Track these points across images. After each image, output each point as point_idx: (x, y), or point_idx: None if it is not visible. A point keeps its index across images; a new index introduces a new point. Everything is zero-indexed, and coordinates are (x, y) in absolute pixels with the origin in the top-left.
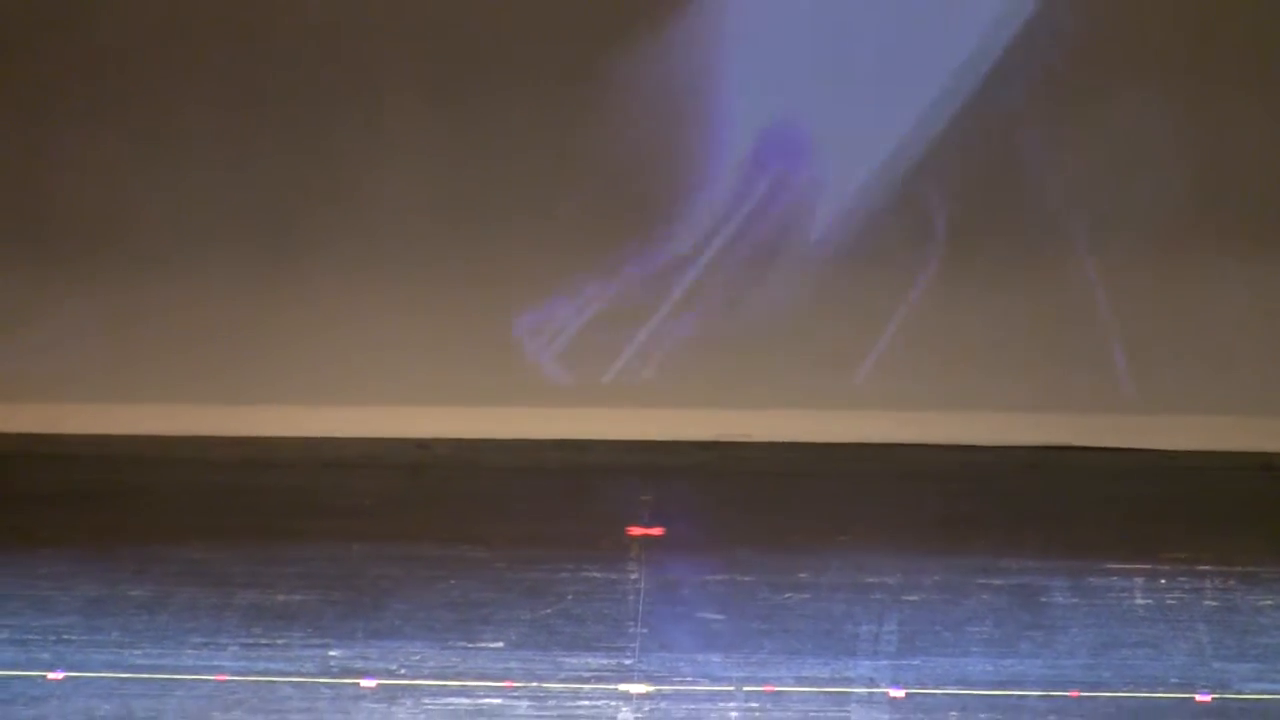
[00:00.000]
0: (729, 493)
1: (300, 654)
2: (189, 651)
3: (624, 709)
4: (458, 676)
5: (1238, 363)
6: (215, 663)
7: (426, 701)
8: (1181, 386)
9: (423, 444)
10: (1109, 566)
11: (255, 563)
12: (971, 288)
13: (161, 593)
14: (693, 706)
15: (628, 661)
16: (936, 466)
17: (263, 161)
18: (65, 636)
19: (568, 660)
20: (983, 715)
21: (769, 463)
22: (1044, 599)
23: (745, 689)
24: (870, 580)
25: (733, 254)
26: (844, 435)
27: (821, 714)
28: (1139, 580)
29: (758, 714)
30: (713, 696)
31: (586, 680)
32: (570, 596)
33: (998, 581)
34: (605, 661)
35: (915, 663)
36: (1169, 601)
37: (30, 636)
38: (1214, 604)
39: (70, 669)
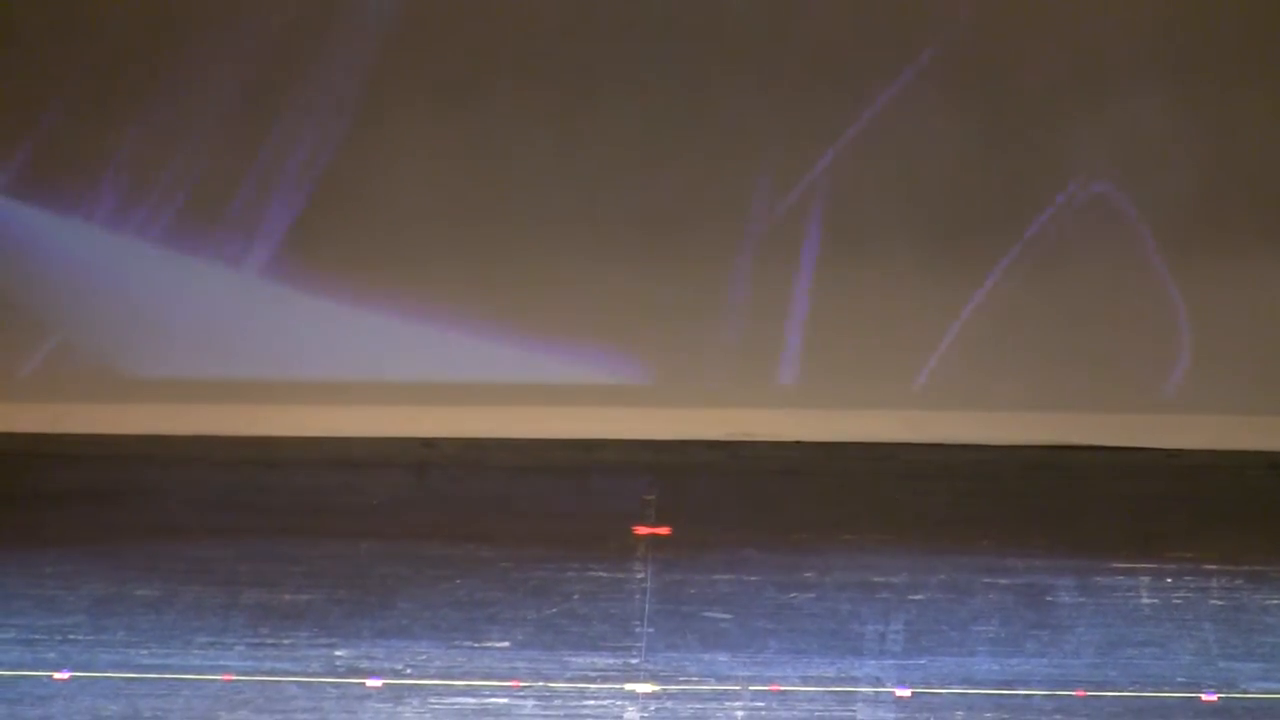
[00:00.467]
0: (735, 492)
1: (306, 653)
2: (195, 651)
3: (630, 708)
4: (464, 676)
5: (1244, 361)
6: (221, 662)
7: (433, 701)
8: (1188, 385)
9: (429, 443)
10: (1115, 565)
11: (261, 562)
12: (977, 287)
13: (168, 592)
14: (699, 706)
15: (634, 661)
16: (942, 466)
17: (269, 161)
18: (71, 636)
19: (574, 659)
20: (988, 714)
21: (775, 462)
22: (1050, 598)
23: (751, 688)
24: (876, 579)
25: (739, 254)
26: (850, 435)
27: (827, 713)
28: (1145, 579)
29: (764, 713)
30: (719, 696)
31: (593, 680)
32: (576, 596)
33: (1004, 581)
34: (611, 661)
35: (921, 662)
36: (1175, 600)
37: (37, 636)
38: (1220, 603)
39: (77, 669)
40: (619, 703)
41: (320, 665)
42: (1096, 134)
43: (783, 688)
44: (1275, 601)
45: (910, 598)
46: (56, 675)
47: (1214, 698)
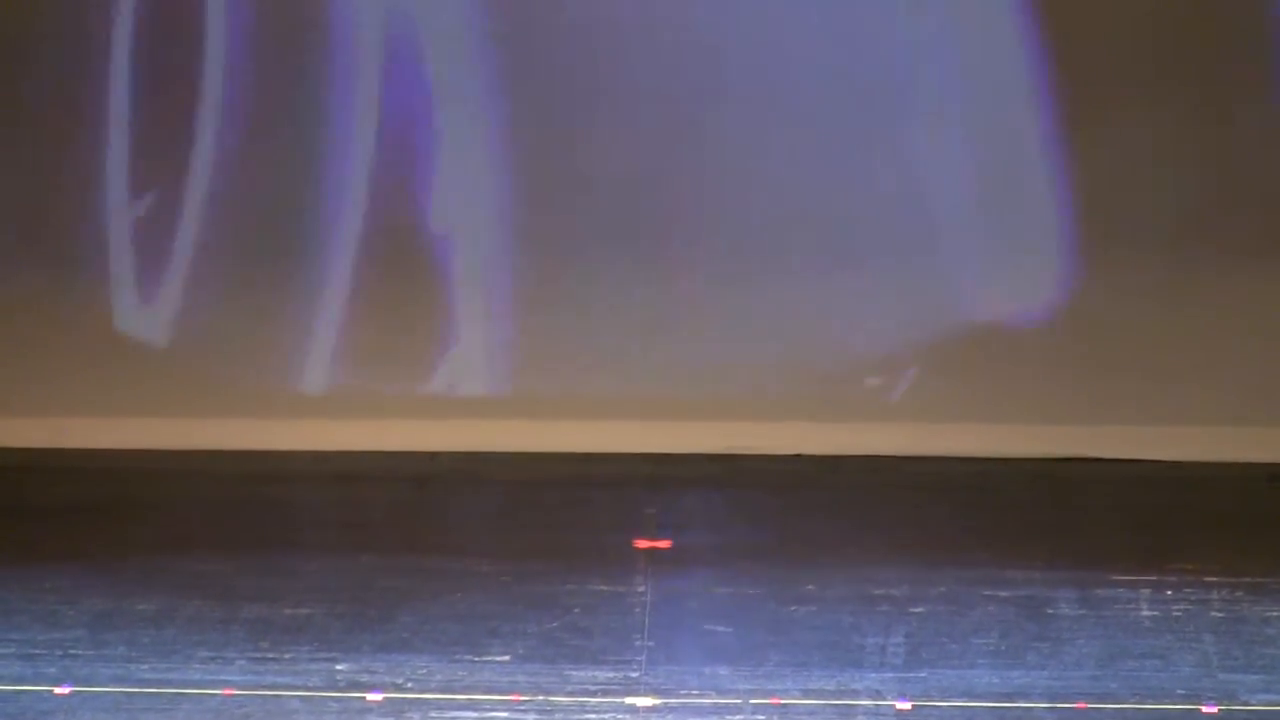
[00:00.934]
0: (736, 505)
1: (307, 667)
2: (196, 665)
3: None
4: (465, 690)
5: (1245, 373)
6: (222, 677)
7: (433, 715)
8: (1188, 397)
9: (430, 456)
10: (1116, 578)
11: (262, 576)
12: (979, 297)
13: (168, 606)
14: (699, 719)
15: (634, 674)
16: (943, 478)
17: (267, 175)
18: (72, 651)
19: (574, 673)
20: None
21: (776, 475)
22: (1050, 610)
23: (752, 701)
24: (877, 592)
25: (739, 267)
26: (850, 448)
27: None
28: (1146, 591)
29: None
30: (720, 709)
31: (593, 693)
32: (577, 609)
33: (1004, 593)
34: (612, 674)
35: (922, 674)
36: (1176, 613)
37: (37, 651)
38: (1221, 615)
39: (77, 683)
40: (620, 716)
41: (321, 679)
42: (1097, 146)
43: (783, 700)
44: (1276, 613)
45: (911, 610)
46: (57, 690)
47: (1214, 709)
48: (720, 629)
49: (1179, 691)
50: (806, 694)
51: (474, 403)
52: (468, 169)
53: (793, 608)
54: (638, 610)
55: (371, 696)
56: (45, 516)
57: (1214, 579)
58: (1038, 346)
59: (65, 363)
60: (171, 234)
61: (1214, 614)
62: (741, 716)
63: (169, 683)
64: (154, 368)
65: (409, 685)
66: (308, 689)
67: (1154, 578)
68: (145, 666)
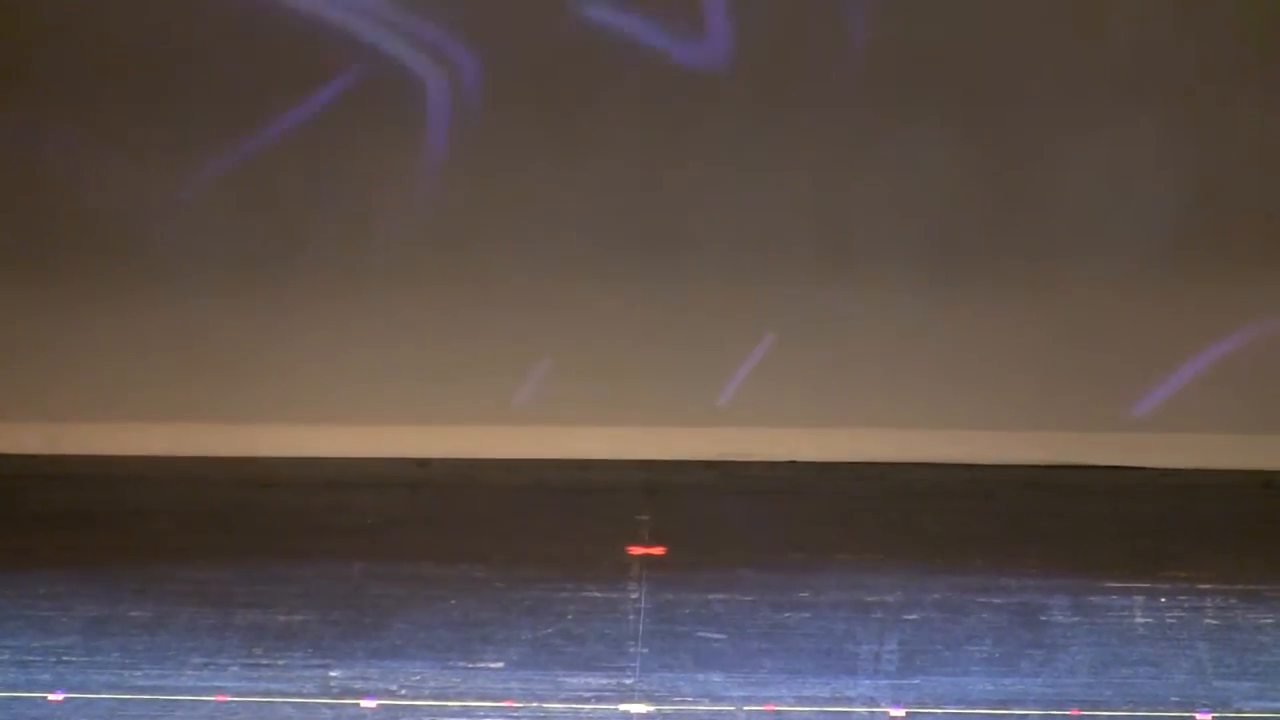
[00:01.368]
0: (730, 512)
1: (301, 674)
2: (189, 672)
3: None
4: (458, 696)
5: (1238, 380)
6: (216, 683)
7: None
8: (1181, 404)
9: (423, 463)
10: (1109, 585)
11: (256, 582)
12: (971, 305)
13: (162, 613)
14: None
15: (628, 681)
16: (937, 485)
17: (264, 182)
18: (66, 657)
19: (568, 680)
20: None
21: (770, 481)
22: (1044, 617)
23: (746, 708)
24: (870, 599)
25: (734, 274)
26: (844, 454)
27: None
28: (1139, 599)
29: None
30: (714, 716)
31: (587, 700)
32: (571, 616)
33: (998, 600)
34: (606, 681)
35: (915, 682)
36: (1169, 620)
37: (31, 658)
38: (1215, 622)
39: (71, 690)
40: None
41: (315, 686)
42: (1087, 152)
43: (778, 708)
44: (1270, 621)
45: (905, 617)
46: (51, 696)
47: (1208, 717)
48: (714, 636)
49: (1173, 699)
50: (800, 701)
51: (466, 408)
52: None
53: (787, 615)
54: (632, 617)
55: (365, 703)
56: (39, 523)
57: (1208, 586)
58: (1030, 353)
59: (59, 369)
60: (167, 240)
61: (1208, 621)
62: None
63: (162, 689)
64: (148, 374)
65: (402, 692)
66: (301, 695)
67: (1148, 585)
68: (139, 673)
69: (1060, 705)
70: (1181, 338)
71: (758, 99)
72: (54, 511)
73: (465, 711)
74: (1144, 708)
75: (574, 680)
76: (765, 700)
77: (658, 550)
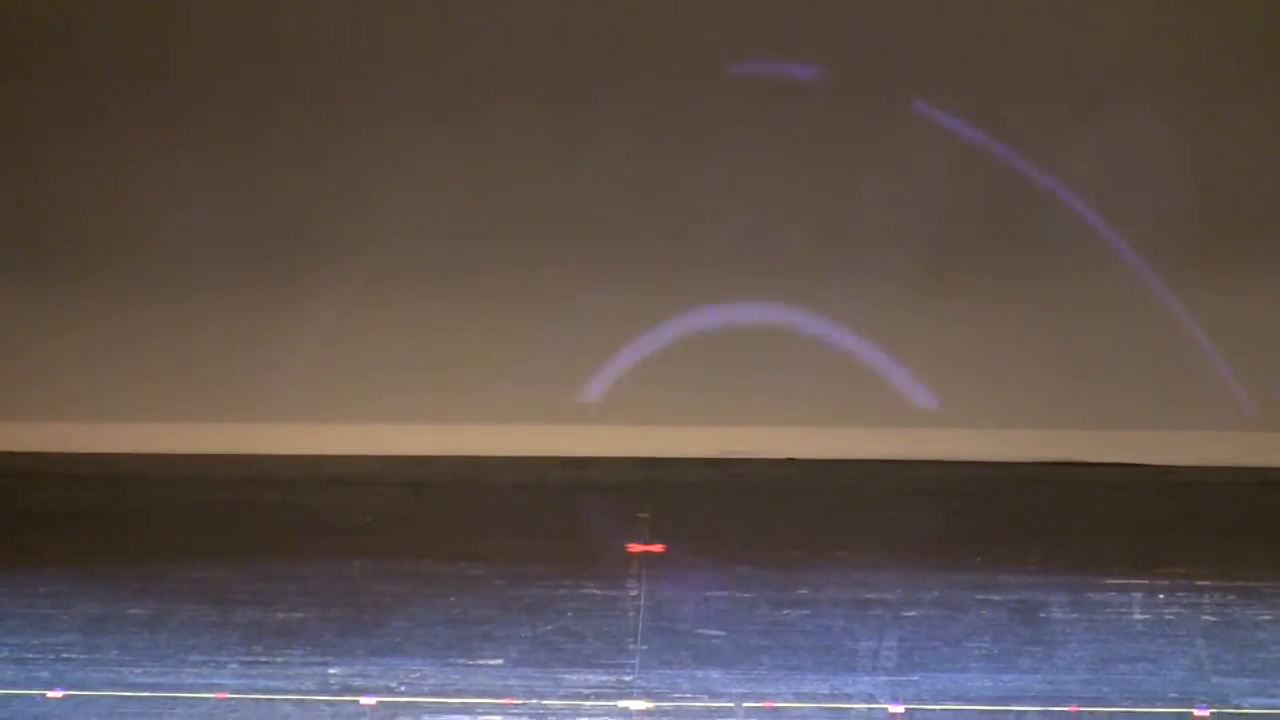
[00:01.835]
0: (729, 509)
1: (300, 671)
2: (189, 669)
3: None
4: (458, 694)
5: (1236, 378)
6: (215, 680)
7: (427, 719)
8: (1180, 402)
9: (423, 461)
10: (1108, 582)
11: (255, 580)
12: (972, 304)
13: (162, 611)
14: None
15: (628, 678)
16: (936, 482)
17: (266, 179)
18: (65, 655)
19: (568, 677)
20: None
21: (769, 479)
22: (1043, 614)
23: (745, 705)
24: (870, 596)
25: (734, 270)
26: (844, 451)
27: None
28: (1138, 595)
29: None
30: (712, 713)
31: (586, 697)
32: (570, 613)
33: (997, 597)
34: (605, 678)
35: (914, 678)
36: (1168, 616)
37: (30, 655)
38: (1212, 619)
39: (70, 687)
40: None
41: (314, 683)
42: (1092, 150)
43: (776, 704)
44: (1267, 617)
45: (904, 614)
46: (50, 694)
47: (1206, 713)
48: (713, 633)
49: (1171, 695)
50: (799, 698)
51: (467, 407)
52: (458, 173)
53: (785, 611)
54: (631, 614)
55: (365, 700)
56: (39, 520)
57: (1206, 583)
58: (1029, 351)
59: (61, 367)
60: (168, 238)
61: (1206, 618)
62: None
63: (162, 687)
64: (148, 373)
65: (402, 689)
66: (301, 693)
67: (1146, 582)
68: (138, 670)
69: (1059, 701)
70: (1181, 335)
71: (755, 94)
72: (54, 509)
73: (465, 708)
74: (1142, 704)
75: (573, 677)
76: (764, 697)
77: (657, 547)
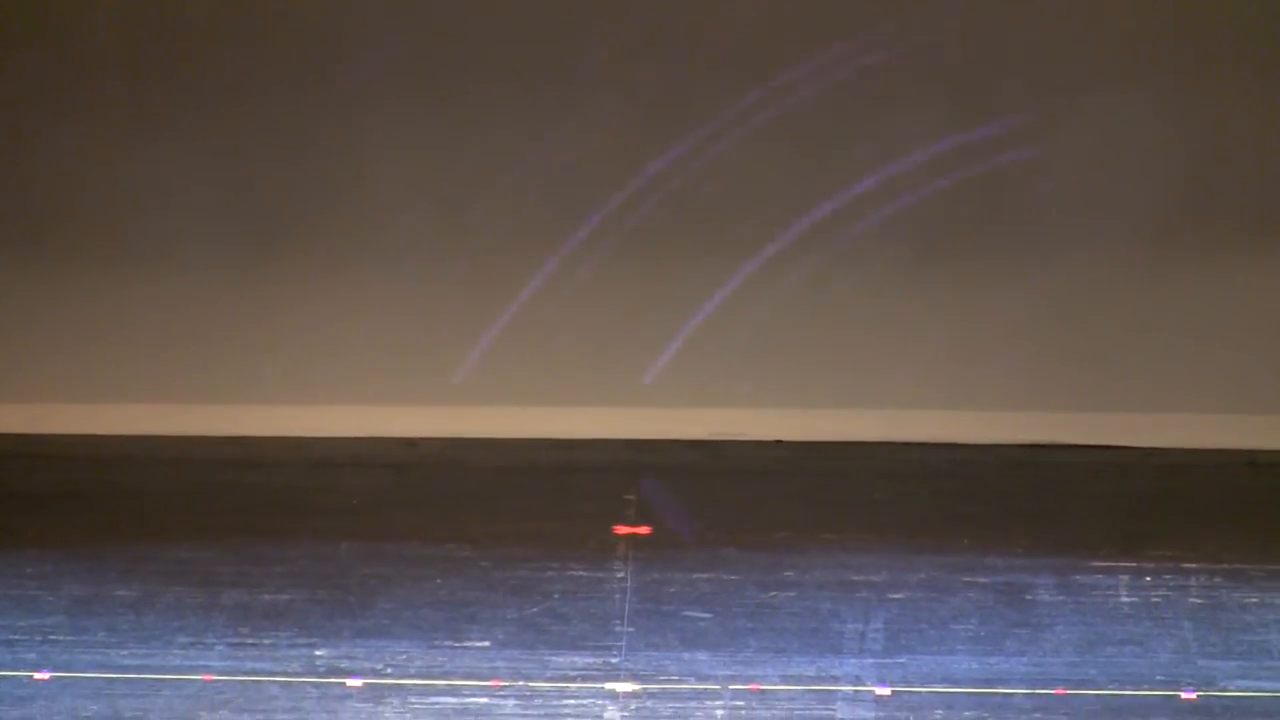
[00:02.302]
0: (715, 491)
1: (287, 653)
2: (176, 651)
3: (610, 707)
4: (444, 676)
5: (1222, 360)
6: (202, 662)
7: (413, 701)
8: (1166, 384)
9: (410, 443)
10: (1094, 564)
11: (242, 562)
12: (958, 286)
13: (148, 593)
14: (679, 705)
15: (614, 660)
16: (923, 465)
17: (250, 160)
18: (52, 636)
19: (554, 659)
20: (968, 713)
21: (755, 461)
22: (1029, 597)
23: (731, 687)
24: (856, 578)
25: (722, 254)
26: (830, 434)
27: (807, 712)
28: (1124, 578)
29: (744, 712)
30: (699, 695)
31: (573, 679)
32: (557, 595)
33: (983, 579)
34: (592, 660)
35: (901, 660)
36: (1154, 599)
37: (17, 637)
38: (1199, 601)
39: (57, 669)
40: (599, 702)
41: (301, 665)
42: (1078, 132)
43: (763, 687)
44: (1254, 600)
45: (890, 596)
46: (37, 675)
47: (1193, 696)
48: (700, 615)
49: (1157, 677)
50: (786, 680)
51: (453, 388)
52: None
53: (772, 594)
54: (617, 596)
55: (351, 682)
56: (24, 502)
57: (1192, 565)
58: (1017, 333)
59: (44, 349)
60: (152, 219)
61: (1193, 600)
62: (721, 702)
63: (149, 668)
64: (134, 354)
65: (388, 671)
66: (287, 675)
67: (1133, 564)
68: (125, 652)
69: (1045, 684)
70: (1167, 318)
71: (744, 78)
72: (40, 491)
73: (451, 690)
74: (1129, 686)
75: (560, 659)
76: (750, 679)
77: (644, 530)
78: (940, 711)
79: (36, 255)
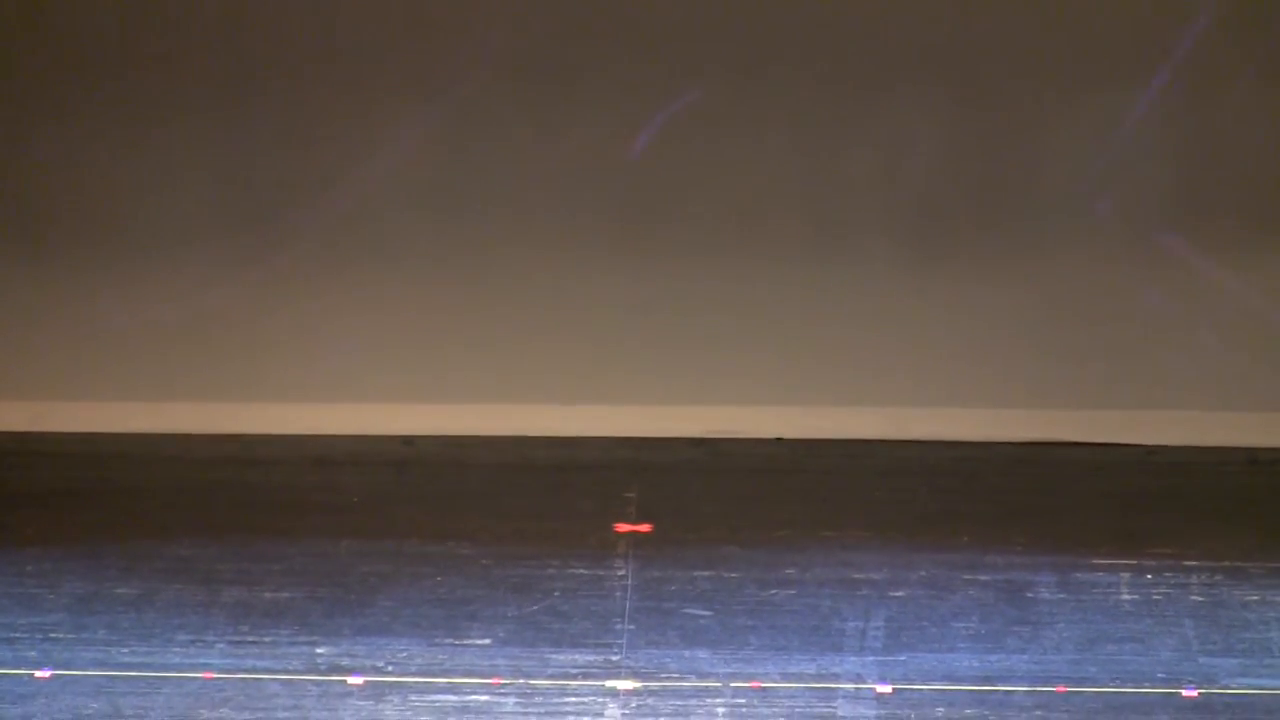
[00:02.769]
0: (716, 489)
1: (287, 651)
2: (176, 649)
3: (611, 705)
4: (445, 673)
5: (1222, 357)
6: (202, 660)
7: (413, 698)
8: (1167, 382)
9: (409, 441)
10: (1095, 562)
11: (242, 560)
12: (958, 283)
13: (148, 590)
14: (679, 703)
15: (615, 658)
16: (923, 462)
17: (248, 157)
18: (52, 634)
19: (555, 657)
20: (969, 710)
21: (756, 459)
22: (1030, 594)
23: (732, 685)
24: (857, 576)
25: (720, 250)
26: (831, 431)
27: (808, 710)
28: (1125, 575)
29: (745, 710)
30: (700, 693)
31: (573, 677)
32: (557, 593)
33: (984, 577)
34: (592, 658)
35: (902, 658)
36: (1155, 596)
37: (17, 635)
38: (1200, 599)
39: (57, 667)
40: (600, 700)
41: (301, 663)
42: (1076, 131)
43: (764, 684)
44: (1255, 597)
45: (891, 594)
46: (37, 673)
47: (1194, 693)
48: (700, 613)
49: (1159, 675)
50: (786, 677)
51: (453, 386)
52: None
53: (773, 591)
54: (618, 594)
55: (352, 680)
56: (24, 500)
57: (1193, 563)
58: (1017, 330)
59: (43, 347)
60: (150, 217)
61: (1194, 598)
62: (721, 700)
63: (149, 666)
64: (133, 352)
65: (389, 669)
66: (288, 672)
67: (1133, 562)
68: (125, 650)
69: (1046, 682)
70: (1168, 316)
71: (744, 77)
72: (39, 489)
73: (452, 688)
74: (1130, 684)
75: (560, 657)
76: (751, 677)
77: (644, 527)
78: (941, 709)
79: (36, 254)
